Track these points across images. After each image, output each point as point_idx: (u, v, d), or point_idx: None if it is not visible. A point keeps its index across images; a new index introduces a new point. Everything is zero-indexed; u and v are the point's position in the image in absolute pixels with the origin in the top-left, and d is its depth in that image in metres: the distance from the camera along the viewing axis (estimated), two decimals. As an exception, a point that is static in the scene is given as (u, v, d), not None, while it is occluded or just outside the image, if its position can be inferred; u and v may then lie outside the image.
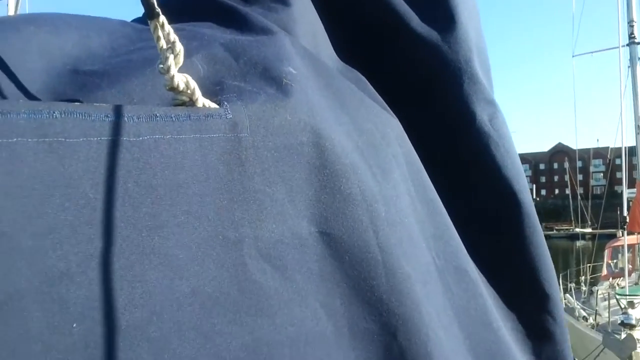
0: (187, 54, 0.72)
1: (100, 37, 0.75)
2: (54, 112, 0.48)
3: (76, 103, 0.50)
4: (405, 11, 1.04)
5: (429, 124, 1.04)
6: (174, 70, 0.58)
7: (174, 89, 0.60)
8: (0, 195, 0.43)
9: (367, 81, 1.00)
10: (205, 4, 0.90)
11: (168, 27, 0.58)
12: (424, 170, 0.95)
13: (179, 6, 0.92)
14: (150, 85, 0.65)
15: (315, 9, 1.03)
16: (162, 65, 0.58)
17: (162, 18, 0.57)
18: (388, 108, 0.96)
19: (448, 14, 1.05)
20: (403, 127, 0.97)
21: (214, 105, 0.64)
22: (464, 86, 1.03)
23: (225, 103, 0.65)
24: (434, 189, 0.95)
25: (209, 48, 0.75)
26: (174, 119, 0.58)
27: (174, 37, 0.58)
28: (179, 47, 0.58)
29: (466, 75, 1.03)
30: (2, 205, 0.43)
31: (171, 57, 0.58)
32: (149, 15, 0.57)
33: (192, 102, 0.61)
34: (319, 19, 1.02)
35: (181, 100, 0.61)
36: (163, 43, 0.58)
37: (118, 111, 0.53)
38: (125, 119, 0.53)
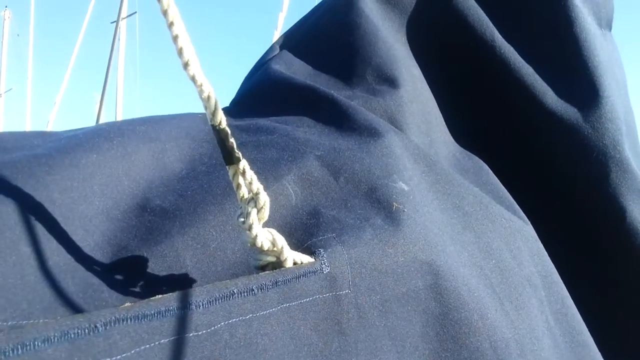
0: (278, 174, 0.60)
1: (178, 147, 0.64)
2: (94, 326, 0.36)
3: (127, 305, 0.39)
4: (538, 84, 0.87)
5: (568, 223, 0.86)
6: (257, 228, 0.46)
7: (256, 247, 0.47)
8: None
9: (490, 171, 0.84)
10: (301, 92, 0.78)
11: (250, 174, 0.45)
12: (564, 288, 0.77)
13: (273, 92, 0.81)
14: (230, 225, 0.53)
15: (428, 82, 0.88)
16: (242, 220, 0.46)
17: (244, 163, 0.45)
18: (517, 208, 0.79)
19: (591, 87, 0.86)
20: (535, 226, 0.80)
21: (306, 258, 0.50)
22: (611, 176, 0.84)
23: (321, 251, 0.52)
24: (577, 312, 0.76)
25: (304, 164, 0.62)
26: (255, 290, 0.45)
27: (257, 186, 0.45)
28: (264, 200, 0.45)
29: (613, 162, 0.84)
30: None
31: (254, 212, 0.45)
32: (227, 160, 0.45)
33: (279, 262, 0.48)
34: (432, 95, 0.87)
35: (266, 262, 0.48)
36: (244, 192, 0.46)
37: (183, 299, 0.41)
38: (193, 306, 0.41)
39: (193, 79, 0.42)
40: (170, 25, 0.41)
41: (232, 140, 0.44)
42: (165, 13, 0.41)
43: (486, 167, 0.84)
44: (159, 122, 0.67)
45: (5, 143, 0.56)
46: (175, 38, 0.41)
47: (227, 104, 0.90)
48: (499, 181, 0.83)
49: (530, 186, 0.86)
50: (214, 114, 0.43)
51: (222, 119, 0.43)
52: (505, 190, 0.81)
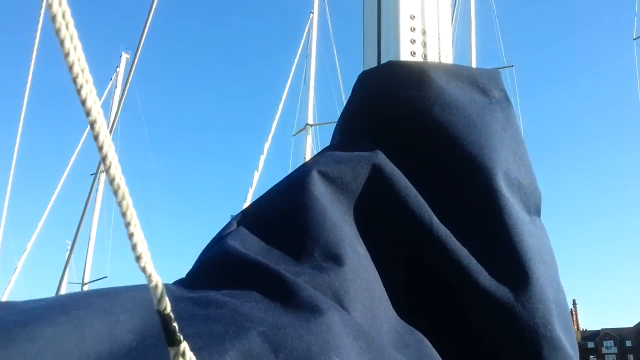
0: (222, 349, 0.64)
1: (131, 319, 0.68)
2: None
3: None
4: (472, 265, 0.95)
5: None
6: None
7: None
8: None
9: (430, 345, 0.89)
10: (252, 268, 0.84)
11: (190, 355, 0.50)
12: None
13: (227, 267, 0.87)
14: None
15: (372, 260, 0.96)
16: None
17: (184, 345, 0.50)
18: None
19: (520, 270, 0.94)
20: None
21: None
22: (543, 354, 0.89)
23: None
24: None
25: (246, 339, 0.66)
26: None
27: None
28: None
29: (545, 340, 0.90)
30: None
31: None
32: (169, 341, 0.50)
33: None
34: (376, 272, 0.95)
35: None
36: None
37: None
38: None
39: (144, 270, 0.49)
40: (127, 225, 0.48)
41: (174, 324, 0.50)
42: (123, 214, 0.49)
43: (427, 341, 0.89)
44: (116, 295, 0.72)
45: None
46: (130, 235, 0.48)
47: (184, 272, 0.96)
48: (438, 356, 0.88)
49: None
50: (159, 300, 0.49)
51: (166, 305, 0.49)
52: None
